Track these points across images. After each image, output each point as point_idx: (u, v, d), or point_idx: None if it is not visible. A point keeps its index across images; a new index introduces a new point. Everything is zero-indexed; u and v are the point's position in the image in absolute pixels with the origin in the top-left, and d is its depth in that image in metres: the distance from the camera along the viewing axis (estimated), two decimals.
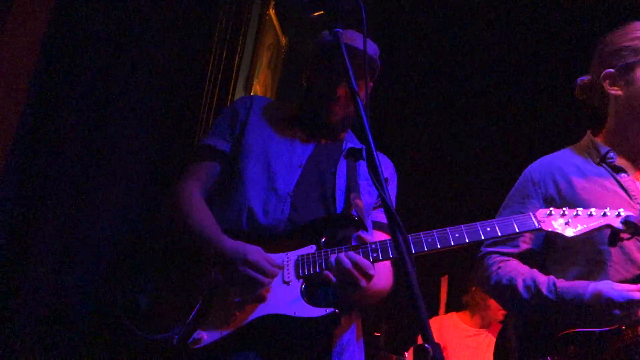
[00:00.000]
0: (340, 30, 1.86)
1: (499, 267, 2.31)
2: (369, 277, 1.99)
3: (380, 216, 2.36)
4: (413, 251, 2.00)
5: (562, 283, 2.15)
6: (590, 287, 2.09)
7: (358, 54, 2.22)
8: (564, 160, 2.40)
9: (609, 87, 2.35)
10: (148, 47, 2.84)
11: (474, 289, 4.85)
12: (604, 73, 2.35)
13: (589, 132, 2.48)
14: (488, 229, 2.03)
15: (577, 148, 2.47)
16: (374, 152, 1.62)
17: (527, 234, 2.32)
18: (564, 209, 2.07)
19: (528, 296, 2.17)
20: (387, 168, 2.48)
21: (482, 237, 2.02)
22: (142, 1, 2.82)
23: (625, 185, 2.27)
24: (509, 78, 5.11)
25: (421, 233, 2.04)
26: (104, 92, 2.62)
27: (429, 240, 2.02)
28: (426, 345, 1.30)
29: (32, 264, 2.37)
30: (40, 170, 2.39)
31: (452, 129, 5.38)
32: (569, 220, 2.05)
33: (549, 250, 2.32)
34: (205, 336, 1.95)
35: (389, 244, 2.04)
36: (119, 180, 2.67)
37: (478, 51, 5.15)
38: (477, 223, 2.05)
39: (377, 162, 1.60)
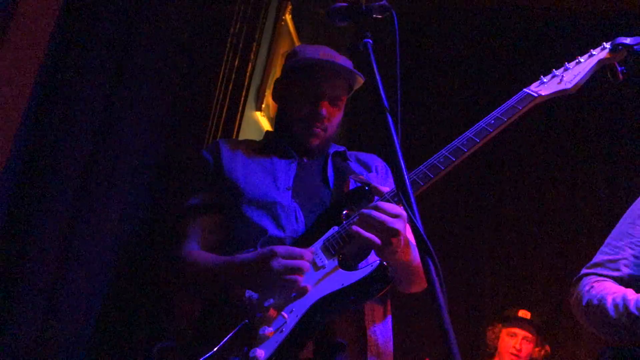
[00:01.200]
0: (371, 42, 1.79)
1: (592, 287, 2.23)
2: (400, 219, 1.89)
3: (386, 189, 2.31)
4: (432, 177, 1.96)
5: None
6: None
7: (341, 71, 2.28)
8: None
9: None
10: (158, 50, 2.78)
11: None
12: None
13: None
14: (492, 122, 2.00)
15: None
16: (404, 173, 1.54)
17: (631, 258, 2.24)
18: (553, 70, 2.10)
19: (616, 315, 2.08)
20: (373, 160, 2.44)
21: (491, 131, 1.99)
22: (153, 2, 2.77)
23: None
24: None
25: (430, 159, 2.00)
26: (112, 94, 2.56)
27: (441, 159, 1.98)
28: None
29: (29, 265, 2.30)
30: (41, 170, 2.33)
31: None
32: (562, 76, 2.07)
33: None
34: (262, 352, 1.86)
35: (407, 181, 1.87)
36: (122, 185, 2.61)
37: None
38: (480, 121, 2.03)
39: (409, 186, 1.53)
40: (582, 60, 2.08)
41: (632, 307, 2.06)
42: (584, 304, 2.21)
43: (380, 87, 1.70)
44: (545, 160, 5.24)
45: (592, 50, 2.09)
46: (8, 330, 2.22)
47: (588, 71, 2.04)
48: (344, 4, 1.87)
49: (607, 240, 2.36)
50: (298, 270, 1.91)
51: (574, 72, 2.06)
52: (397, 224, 1.89)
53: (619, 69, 2.06)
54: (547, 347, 4.64)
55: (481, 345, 4.84)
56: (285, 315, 1.90)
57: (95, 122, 2.49)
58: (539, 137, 5.28)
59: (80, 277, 2.44)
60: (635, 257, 2.25)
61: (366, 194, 2.08)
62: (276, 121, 2.50)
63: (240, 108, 3.45)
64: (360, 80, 2.33)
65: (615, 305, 2.10)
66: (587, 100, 5.10)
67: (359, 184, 2.14)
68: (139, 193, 2.75)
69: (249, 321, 1.93)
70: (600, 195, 5.01)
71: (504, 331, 4.63)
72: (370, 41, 1.79)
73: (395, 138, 1.60)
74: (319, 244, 2.02)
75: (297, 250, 1.93)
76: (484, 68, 5.28)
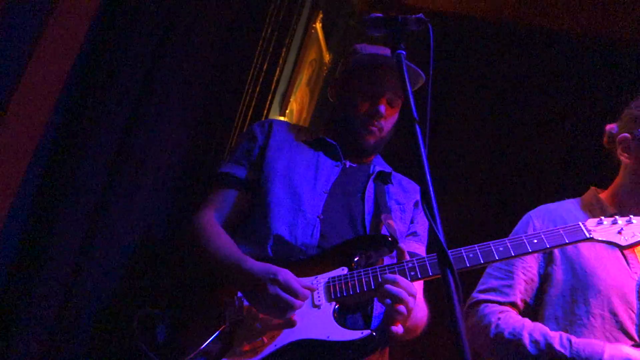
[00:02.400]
0: (404, 53, 1.84)
1: (499, 318, 2.25)
2: (414, 298, 1.94)
3: (414, 246, 2.32)
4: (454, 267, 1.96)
5: (576, 339, 2.11)
6: (609, 348, 2.06)
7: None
8: (568, 213, 2.40)
9: (621, 152, 2.37)
10: (190, 50, 2.83)
11: None
12: (620, 136, 2.38)
13: (593, 188, 2.49)
14: (535, 241, 1.99)
15: (581, 203, 2.47)
16: (429, 183, 1.59)
17: (522, 281, 2.31)
18: (616, 217, 2.06)
19: (536, 352, 2.12)
20: (416, 192, 2.43)
21: (529, 250, 1.98)
22: (187, 4, 2.83)
23: (626, 255, 2.26)
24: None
25: (462, 248, 1.99)
26: (143, 92, 2.61)
27: (471, 255, 1.97)
28: None
29: (46, 266, 2.35)
30: (64, 171, 2.38)
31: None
32: (622, 228, 2.02)
33: (538, 304, 2.30)
34: None
35: (427, 261, 1.98)
36: (145, 189, 2.65)
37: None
38: (523, 235, 2.01)
39: (433, 197, 1.57)
40: None
41: (557, 346, 2.10)
42: (491, 335, 2.22)
43: (411, 97, 1.74)
44: None
45: None
46: (23, 324, 2.27)
47: None
48: (380, 15, 1.92)
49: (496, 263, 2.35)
50: (289, 306, 1.92)
51: (635, 230, 2.02)
52: (412, 304, 1.94)
53: None
54: None
55: None
56: (265, 340, 1.93)
57: (124, 120, 2.54)
58: None
59: (97, 273, 2.48)
60: (526, 282, 2.32)
61: (387, 246, 2.11)
62: (331, 118, 2.51)
63: (265, 112, 3.51)
64: (420, 81, 2.35)
65: (535, 342, 2.13)
66: None
67: (387, 234, 2.15)
68: (163, 192, 2.79)
69: (229, 326, 1.96)
70: None
71: None
72: (404, 52, 1.83)
73: (422, 149, 1.65)
74: (323, 279, 2.04)
75: (297, 286, 1.94)
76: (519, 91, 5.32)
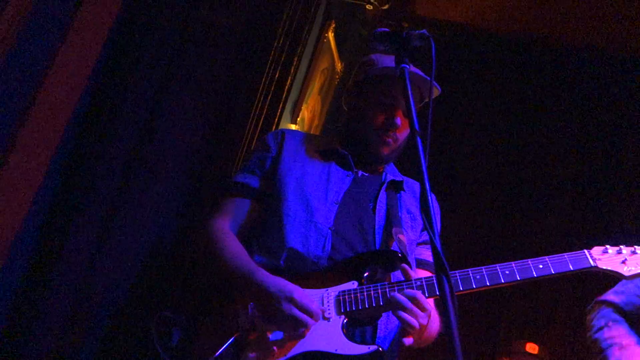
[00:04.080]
0: (408, 67, 1.91)
1: (607, 325, 2.48)
2: (427, 311, 2.00)
3: (426, 253, 2.37)
4: (461, 288, 2.02)
5: None
6: None
7: (416, 81, 2.29)
8: None
9: None
10: (202, 60, 2.94)
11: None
12: None
13: None
14: (540, 266, 2.04)
15: None
16: (428, 193, 1.64)
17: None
18: (621, 246, 2.09)
19: None
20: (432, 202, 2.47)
21: (535, 275, 2.03)
22: (202, 11, 2.93)
23: None
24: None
25: (469, 270, 2.05)
26: (158, 99, 2.71)
27: (478, 277, 2.04)
28: None
29: (62, 264, 2.45)
30: (83, 172, 2.48)
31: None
32: (626, 258, 2.06)
33: None
34: None
35: (435, 281, 2.03)
36: (158, 194, 2.75)
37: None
38: (529, 260, 2.07)
39: (431, 204, 1.63)
40: None
41: None
42: (594, 337, 2.48)
43: (414, 110, 1.82)
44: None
45: None
46: (40, 322, 2.37)
47: None
48: (386, 30, 1.99)
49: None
50: (304, 325, 2.00)
51: (638, 261, 2.05)
52: (425, 320, 2.00)
53: None
54: None
55: None
56: (276, 349, 2.00)
57: (139, 126, 2.65)
58: None
59: (110, 275, 2.59)
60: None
61: (396, 262, 2.15)
62: (344, 127, 2.56)
63: (277, 120, 3.61)
64: (436, 91, 2.34)
65: None
66: None
67: (398, 250, 2.20)
68: (176, 197, 2.90)
69: (241, 334, 2.04)
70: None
71: None
72: (407, 67, 1.92)
73: (423, 160, 1.71)
74: (334, 292, 2.10)
75: (313, 307, 2.01)
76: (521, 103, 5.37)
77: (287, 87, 3.69)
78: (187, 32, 2.87)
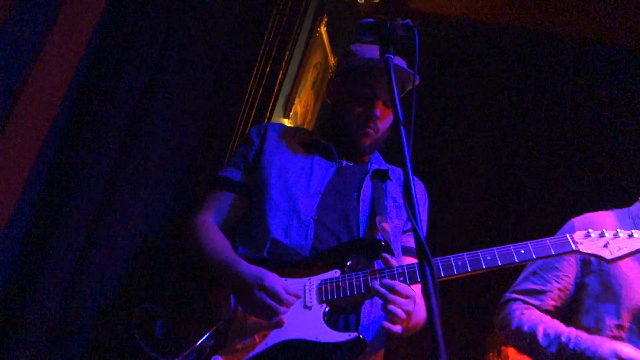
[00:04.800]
0: (392, 57, 1.92)
1: (522, 314, 2.48)
2: (411, 300, 2.01)
3: (411, 241, 2.30)
4: (442, 275, 2.03)
5: (582, 334, 2.31)
6: (608, 343, 2.24)
7: (397, 71, 2.21)
8: (610, 225, 2.45)
9: None
10: (192, 53, 2.93)
11: (491, 354, 4.85)
12: None
13: None
14: (522, 251, 2.05)
15: (623, 214, 2.55)
16: (411, 182, 1.65)
17: (556, 291, 2.48)
18: (603, 230, 2.09)
19: (546, 343, 2.34)
20: (417, 189, 2.46)
21: (516, 260, 2.04)
22: (190, 7, 2.92)
23: None
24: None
25: (451, 256, 2.06)
26: (143, 97, 2.71)
27: (459, 263, 2.04)
28: None
29: (49, 262, 2.44)
30: (67, 172, 2.47)
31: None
32: (608, 242, 2.06)
33: (572, 310, 2.47)
34: None
35: (416, 268, 2.05)
36: (147, 189, 2.74)
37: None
38: (511, 245, 2.07)
39: (415, 192, 1.64)
40: (635, 235, 2.07)
41: (563, 339, 2.31)
42: (513, 327, 2.47)
43: (398, 101, 1.83)
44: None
45: None
46: (27, 319, 2.37)
47: (633, 251, 2.04)
48: (371, 20, 2.00)
49: (533, 267, 2.55)
50: (274, 312, 2.02)
51: (620, 244, 2.05)
52: (409, 306, 2.01)
53: None
54: None
55: None
56: (257, 338, 2.03)
57: (127, 120, 2.64)
58: None
59: (99, 270, 2.59)
60: (560, 290, 2.49)
61: (382, 249, 2.17)
62: (328, 121, 2.60)
63: (268, 114, 3.62)
64: (416, 81, 2.29)
65: (546, 335, 2.36)
66: None
67: (381, 238, 2.22)
68: (165, 192, 2.89)
69: (223, 325, 2.07)
70: None
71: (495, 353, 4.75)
72: (392, 56, 1.92)
73: (407, 150, 1.72)
74: (316, 281, 2.12)
75: (282, 293, 2.03)
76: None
77: (278, 81, 3.69)
78: (177, 26, 2.86)
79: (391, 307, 1.98)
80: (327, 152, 2.46)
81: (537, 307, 2.49)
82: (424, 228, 2.44)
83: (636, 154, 4.78)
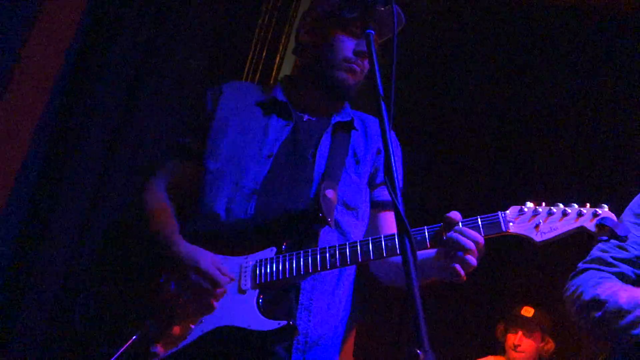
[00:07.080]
0: (373, 32, 1.92)
1: (598, 283, 2.20)
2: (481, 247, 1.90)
3: (384, 194, 2.30)
4: (360, 260, 1.97)
5: None
6: None
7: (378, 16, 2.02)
8: None
9: None
10: (184, 37, 2.96)
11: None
12: None
13: None
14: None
15: None
16: (392, 158, 1.63)
17: (632, 256, 2.24)
18: (538, 207, 1.94)
19: (630, 306, 2.07)
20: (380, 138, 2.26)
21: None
22: None
23: None
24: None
25: (370, 237, 2.00)
26: (136, 84, 2.74)
27: (389, 244, 1.96)
28: (418, 351, 1.34)
29: (46, 248, 2.49)
30: (60, 160, 2.51)
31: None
32: (540, 221, 1.91)
33: None
34: (161, 350, 1.96)
35: (348, 249, 1.98)
36: (139, 177, 2.78)
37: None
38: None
39: (395, 170, 1.60)
40: (568, 211, 1.91)
41: None
42: (587, 298, 2.18)
43: (378, 75, 1.83)
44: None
45: (581, 208, 1.91)
46: (26, 303, 2.43)
47: (566, 232, 1.90)
48: None
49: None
50: (208, 294, 1.98)
51: (552, 225, 1.90)
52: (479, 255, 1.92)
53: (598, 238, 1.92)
54: (551, 343, 4.72)
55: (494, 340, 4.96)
56: (192, 325, 1.98)
57: (118, 109, 2.69)
58: None
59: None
60: (637, 257, 2.24)
61: (320, 221, 2.08)
62: (297, 69, 2.45)
63: None
64: (400, 23, 2.16)
65: (632, 297, 2.08)
66: None
67: (323, 207, 2.09)
68: None
69: (162, 308, 2.01)
70: None
71: (507, 328, 4.77)
72: (373, 32, 1.90)
73: (387, 123, 1.72)
74: (252, 260, 2.05)
75: (217, 275, 1.98)
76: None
77: (275, 66, 3.69)
78: (168, 10, 2.89)
79: (469, 257, 1.89)
80: (284, 110, 2.31)
81: (612, 274, 2.22)
82: (400, 177, 2.29)
83: None
